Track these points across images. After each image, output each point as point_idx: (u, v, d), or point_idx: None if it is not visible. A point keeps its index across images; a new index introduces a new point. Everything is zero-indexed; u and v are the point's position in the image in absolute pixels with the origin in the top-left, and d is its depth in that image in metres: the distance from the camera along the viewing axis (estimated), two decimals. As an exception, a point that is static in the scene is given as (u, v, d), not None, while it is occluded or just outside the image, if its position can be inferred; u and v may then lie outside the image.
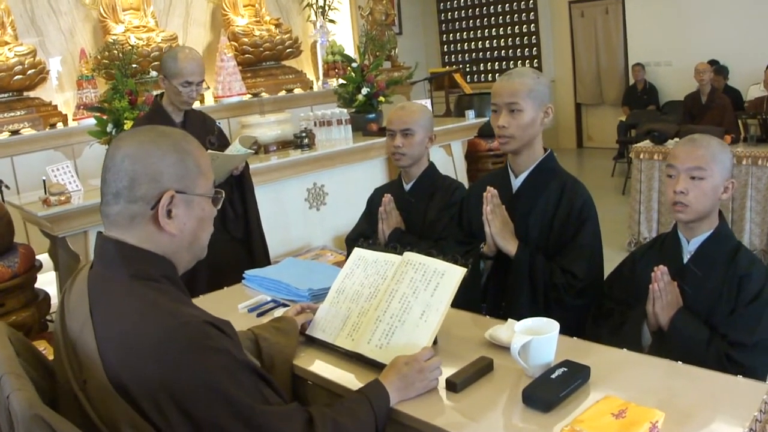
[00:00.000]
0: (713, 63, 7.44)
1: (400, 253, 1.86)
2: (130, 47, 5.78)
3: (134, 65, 5.36)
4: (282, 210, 5.14)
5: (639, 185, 4.99)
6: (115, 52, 5.28)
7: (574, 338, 1.79)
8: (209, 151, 2.78)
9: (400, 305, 1.73)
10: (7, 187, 4.62)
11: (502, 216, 2.18)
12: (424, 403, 1.52)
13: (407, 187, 2.74)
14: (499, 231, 2.16)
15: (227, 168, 2.93)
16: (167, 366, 1.19)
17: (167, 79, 2.85)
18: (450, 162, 6.52)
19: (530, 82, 2.16)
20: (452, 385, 1.54)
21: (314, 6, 7.99)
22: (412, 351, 1.61)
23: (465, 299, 2.27)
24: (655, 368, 1.61)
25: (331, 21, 8.15)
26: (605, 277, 2.25)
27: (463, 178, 6.67)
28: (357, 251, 1.98)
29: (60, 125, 5.96)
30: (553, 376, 1.48)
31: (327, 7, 8.04)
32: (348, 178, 5.59)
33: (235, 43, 7.33)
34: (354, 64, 6.10)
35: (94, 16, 6.55)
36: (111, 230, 1.33)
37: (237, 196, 3.09)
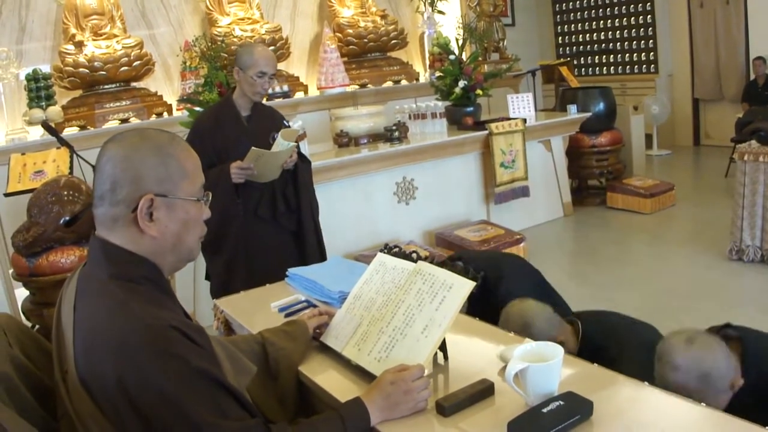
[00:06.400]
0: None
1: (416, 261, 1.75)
2: (218, 41, 5.91)
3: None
4: (370, 203, 5.10)
5: (742, 189, 4.48)
6: (211, 44, 5.43)
7: (595, 365, 1.59)
8: (253, 148, 2.80)
9: (404, 317, 1.60)
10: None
11: None
12: (409, 424, 1.40)
13: None
14: None
15: (275, 164, 2.91)
16: (124, 366, 1.19)
17: (242, 71, 2.95)
18: (549, 158, 6.24)
19: None
20: (441, 409, 1.40)
21: (422, -3, 7.91)
22: (407, 367, 1.49)
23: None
24: (680, 412, 1.37)
25: (440, 12, 8.02)
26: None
27: (563, 176, 6.38)
28: (379, 256, 1.88)
29: (165, 115, 6.20)
30: (545, 409, 1.29)
31: (435, -2, 7.93)
32: (439, 172, 5.47)
33: (340, 35, 7.37)
34: (451, 57, 5.96)
35: (201, 9, 6.78)
36: (100, 230, 1.35)
37: (291, 191, 3.07)
